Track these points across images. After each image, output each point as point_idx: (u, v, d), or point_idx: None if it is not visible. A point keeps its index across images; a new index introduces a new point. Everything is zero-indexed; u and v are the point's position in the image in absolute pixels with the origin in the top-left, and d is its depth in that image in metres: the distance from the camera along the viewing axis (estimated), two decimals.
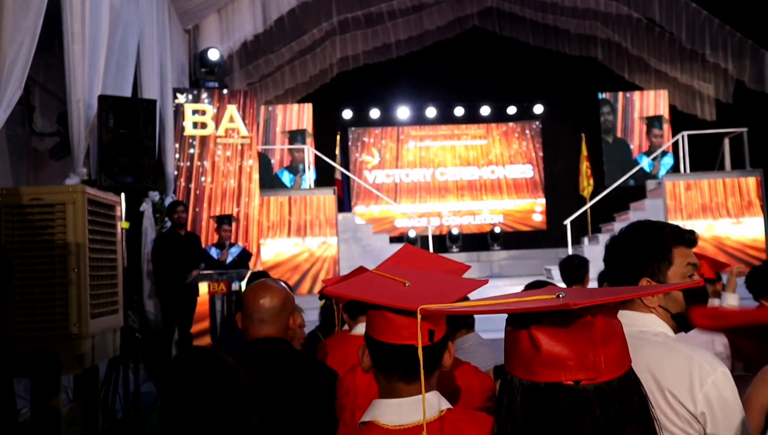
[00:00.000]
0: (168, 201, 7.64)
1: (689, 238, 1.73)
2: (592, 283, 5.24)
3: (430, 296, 1.27)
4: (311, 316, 6.05)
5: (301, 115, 12.25)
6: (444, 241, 13.50)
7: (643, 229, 1.74)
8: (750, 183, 9.87)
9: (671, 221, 10.14)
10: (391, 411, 1.33)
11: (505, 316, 0.98)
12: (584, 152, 13.22)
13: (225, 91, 8.64)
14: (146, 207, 7.16)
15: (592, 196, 12.12)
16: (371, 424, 1.34)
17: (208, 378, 1.43)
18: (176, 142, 8.17)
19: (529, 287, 2.60)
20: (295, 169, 12.09)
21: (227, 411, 1.43)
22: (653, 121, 12.17)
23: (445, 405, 1.37)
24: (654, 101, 12.31)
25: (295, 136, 12.06)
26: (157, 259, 6.83)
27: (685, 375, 1.54)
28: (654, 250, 1.69)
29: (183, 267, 6.55)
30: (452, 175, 14.36)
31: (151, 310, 7.15)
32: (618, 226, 10.38)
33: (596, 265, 10.04)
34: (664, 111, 12.22)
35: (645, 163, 11.91)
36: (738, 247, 9.74)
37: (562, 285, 4.32)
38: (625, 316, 1.59)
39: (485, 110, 14.05)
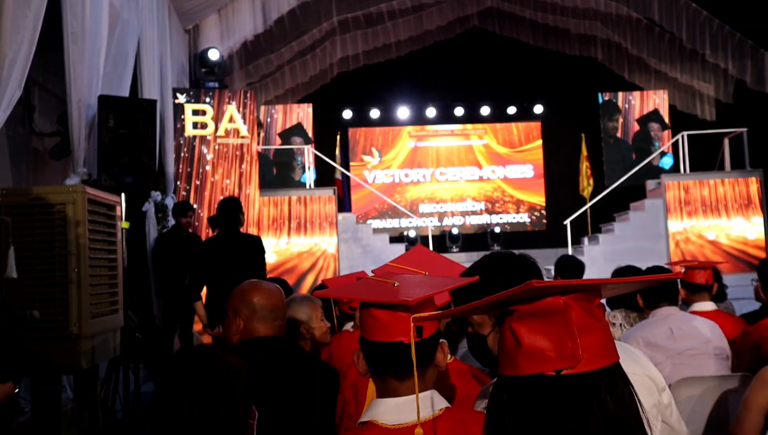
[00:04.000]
0: (169, 201, 7.64)
1: None
2: None
3: (417, 292, 1.30)
4: None
5: (301, 115, 12.24)
6: (444, 241, 13.49)
7: None
8: (750, 183, 9.87)
9: (671, 221, 10.19)
10: (389, 410, 1.34)
11: None
12: (584, 152, 13.21)
13: (225, 91, 8.64)
14: (149, 207, 7.16)
15: (592, 196, 12.12)
16: (370, 424, 1.35)
17: (209, 378, 1.43)
18: (176, 142, 8.17)
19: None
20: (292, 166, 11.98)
21: (229, 412, 1.42)
22: (650, 117, 12.14)
23: (444, 404, 1.37)
24: (654, 101, 12.31)
25: (291, 132, 11.96)
26: (159, 259, 6.82)
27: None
28: None
29: (184, 267, 6.55)
30: (452, 175, 14.36)
31: (152, 310, 7.15)
32: (618, 226, 10.38)
33: (595, 266, 10.01)
34: (664, 111, 12.22)
35: (655, 156, 11.88)
36: (738, 247, 9.74)
37: None
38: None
39: (485, 110, 14.05)
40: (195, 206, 7.72)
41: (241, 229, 5.26)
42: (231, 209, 5.11)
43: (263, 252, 5.27)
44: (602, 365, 0.93)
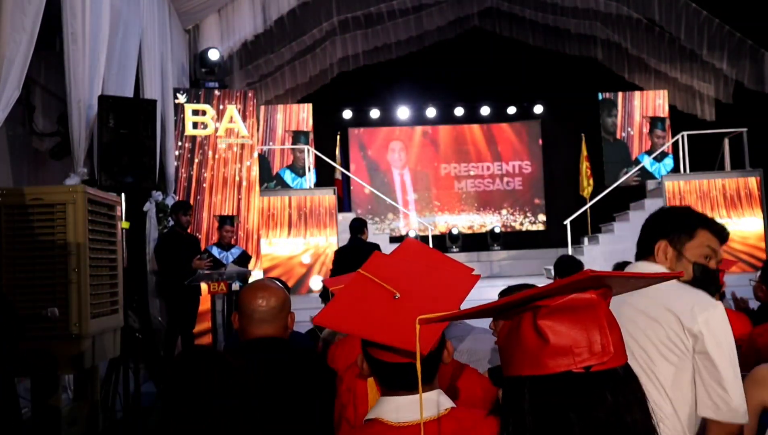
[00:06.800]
0: (169, 201, 7.64)
1: (718, 228, 2.04)
2: None
3: (423, 310, 1.22)
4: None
5: (301, 115, 12.24)
6: (444, 241, 13.50)
7: (680, 207, 2.16)
8: (750, 183, 9.86)
9: None
10: (395, 408, 1.34)
11: None
12: (584, 152, 13.21)
13: (225, 91, 8.64)
14: (149, 207, 7.16)
15: (592, 196, 12.12)
16: (376, 421, 1.35)
17: (211, 379, 1.43)
18: (176, 142, 8.17)
19: (503, 294, 2.62)
20: (296, 169, 12.07)
21: (223, 412, 1.42)
22: (656, 122, 12.16)
23: (449, 404, 1.37)
24: (654, 101, 12.31)
25: (298, 136, 12.06)
26: (162, 258, 6.80)
27: (690, 304, 1.85)
28: (682, 221, 2.04)
29: (184, 267, 6.55)
30: (452, 175, 14.36)
31: (153, 310, 7.15)
32: (618, 226, 10.38)
33: (595, 266, 10.01)
34: (664, 111, 12.22)
35: (647, 162, 11.90)
36: (738, 247, 9.74)
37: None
38: (641, 266, 2.05)
39: (485, 110, 14.05)
40: (197, 207, 7.76)
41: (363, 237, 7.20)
42: (356, 224, 7.33)
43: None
44: (624, 362, 0.92)
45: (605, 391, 0.89)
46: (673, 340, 1.84)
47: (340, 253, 7.26)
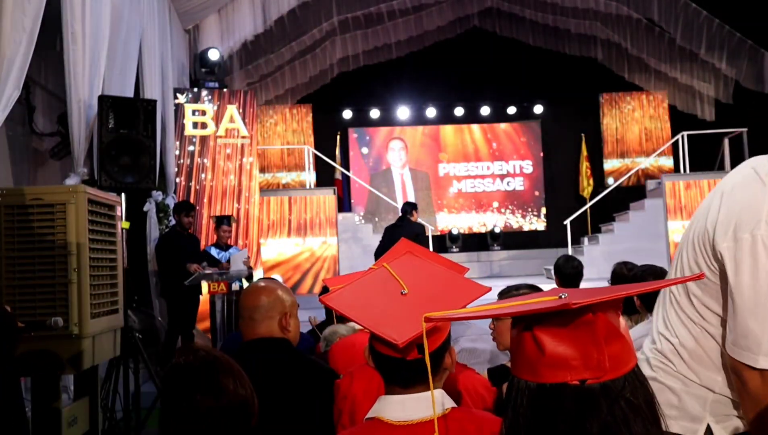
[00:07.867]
0: (169, 201, 7.64)
1: None
2: (592, 284, 5.22)
3: (427, 309, 1.25)
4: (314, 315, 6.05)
5: (301, 115, 12.24)
6: (444, 241, 13.50)
7: None
8: None
9: (671, 221, 10.16)
10: (396, 407, 1.35)
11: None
12: (584, 152, 13.22)
13: (225, 91, 8.64)
14: (150, 207, 7.16)
15: (592, 196, 12.13)
16: (376, 420, 1.36)
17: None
18: (176, 141, 8.17)
19: (503, 294, 2.56)
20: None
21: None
22: (654, 122, 12.18)
23: (450, 404, 1.38)
24: (654, 101, 12.31)
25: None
26: (162, 258, 6.80)
27: (737, 217, 1.46)
28: None
29: (184, 267, 6.54)
30: (452, 175, 14.35)
31: (155, 310, 7.14)
32: (618, 226, 10.38)
33: (595, 266, 10.02)
34: (664, 111, 12.23)
35: (646, 163, 11.91)
36: None
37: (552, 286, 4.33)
38: None
39: (485, 110, 14.05)
40: (197, 207, 7.76)
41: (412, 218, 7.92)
42: (405, 207, 8.09)
43: (417, 235, 7.64)
44: (625, 372, 0.92)
45: (601, 404, 0.89)
46: (704, 254, 1.54)
47: (385, 230, 8.19)
